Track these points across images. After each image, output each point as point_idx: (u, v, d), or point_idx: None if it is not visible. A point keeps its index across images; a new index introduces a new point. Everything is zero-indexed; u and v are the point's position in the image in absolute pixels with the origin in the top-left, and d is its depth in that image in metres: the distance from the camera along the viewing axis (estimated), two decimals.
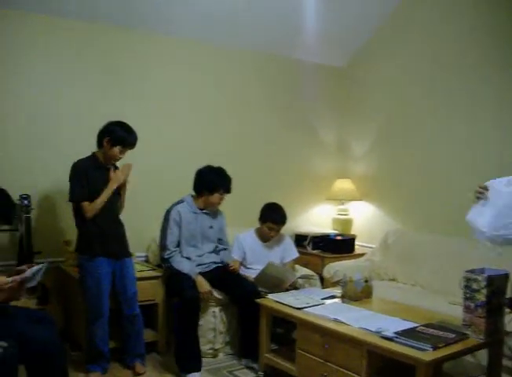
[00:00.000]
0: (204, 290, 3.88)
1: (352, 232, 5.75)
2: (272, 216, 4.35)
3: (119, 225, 3.78)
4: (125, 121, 3.68)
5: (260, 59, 5.41)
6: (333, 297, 3.72)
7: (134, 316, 3.76)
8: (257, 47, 5.30)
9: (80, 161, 3.61)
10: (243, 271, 4.36)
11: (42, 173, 4.26)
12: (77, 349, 3.93)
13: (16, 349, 2.49)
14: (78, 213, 3.60)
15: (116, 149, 3.58)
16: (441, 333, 2.82)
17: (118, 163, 3.75)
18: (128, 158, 3.72)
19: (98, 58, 4.53)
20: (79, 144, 4.06)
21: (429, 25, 5.05)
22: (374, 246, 5.30)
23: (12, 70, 4.16)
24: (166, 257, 4.04)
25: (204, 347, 3.97)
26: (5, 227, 3.66)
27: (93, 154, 3.68)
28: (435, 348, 2.62)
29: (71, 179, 3.57)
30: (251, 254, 4.40)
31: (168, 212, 4.12)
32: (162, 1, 4.46)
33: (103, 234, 3.59)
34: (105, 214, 3.61)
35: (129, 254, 3.82)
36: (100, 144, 3.63)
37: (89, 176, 3.56)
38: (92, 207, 3.54)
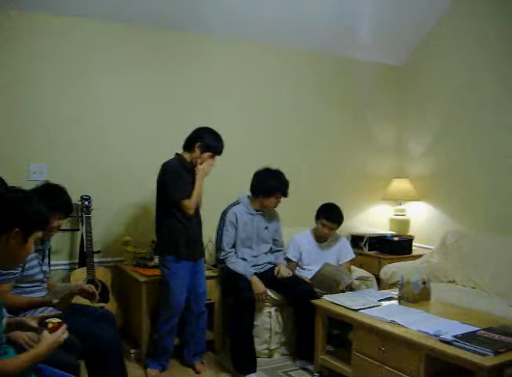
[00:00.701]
0: (259, 291, 3.89)
1: (410, 233, 5.63)
2: (326, 213, 4.31)
3: (200, 224, 3.83)
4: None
5: (315, 59, 5.37)
6: (390, 299, 3.67)
7: (201, 314, 3.82)
8: (313, 47, 5.27)
9: (171, 162, 3.69)
10: (298, 272, 4.35)
11: (103, 175, 4.37)
12: (135, 347, 4.01)
13: (79, 344, 2.58)
14: (168, 212, 3.65)
15: (206, 155, 3.65)
16: (503, 337, 2.73)
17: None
18: None
19: (163, 63, 4.63)
20: (136, 148, 4.15)
21: (490, 19, 4.89)
22: (432, 247, 5.18)
23: (83, 77, 4.31)
24: (221, 257, 4.07)
25: (259, 347, 3.98)
26: (67, 227, 3.81)
27: (179, 155, 3.75)
28: (496, 353, 2.54)
29: (167, 180, 3.63)
30: (307, 255, 4.38)
31: (224, 213, 4.15)
32: (215, 4, 4.50)
33: (188, 234, 3.65)
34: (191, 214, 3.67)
35: (204, 254, 3.89)
36: (189, 148, 3.70)
37: (182, 176, 3.63)
38: (192, 203, 3.60)
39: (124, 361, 2.94)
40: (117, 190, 4.39)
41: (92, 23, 4.30)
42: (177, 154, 3.75)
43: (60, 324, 2.02)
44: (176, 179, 3.61)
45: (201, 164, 3.67)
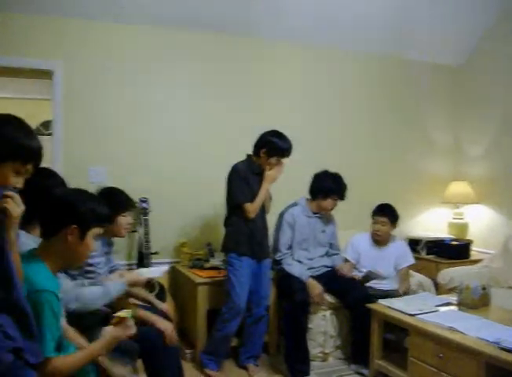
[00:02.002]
0: (316, 293, 3.88)
1: (468, 237, 5.50)
2: (377, 209, 4.29)
3: (265, 227, 3.87)
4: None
5: (371, 60, 5.33)
6: (448, 304, 3.60)
7: (262, 317, 3.84)
8: (369, 48, 5.23)
9: (239, 164, 3.75)
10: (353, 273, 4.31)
11: (161, 177, 4.46)
12: (190, 347, 4.07)
13: (137, 347, 2.64)
14: (234, 214, 3.72)
15: (273, 160, 3.69)
16: None
17: None
18: None
19: (223, 66, 4.70)
20: (194, 150, 4.22)
21: None
22: (491, 251, 5.04)
23: (143, 82, 4.44)
24: (277, 259, 4.09)
25: (314, 351, 3.97)
26: (131, 227, 3.88)
27: (249, 157, 3.80)
28: None
29: (232, 182, 3.70)
30: (365, 257, 4.31)
31: (282, 214, 4.17)
32: (272, 8, 4.53)
33: (251, 235, 3.70)
34: (256, 216, 3.71)
35: (268, 255, 3.91)
36: (257, 153, 3.74)
37: (248, 179, 3.68)
38: (254, 208, 3.66)
39: (180, 361, 2.99)
40: (175, 192, 4.47)
41: (153, 30, 4.42)
42: (248, 155, 3.79)
43: (123, 319, 2.09)
44: (240, 182, 3.66)
45: (270, 170, 3.69)
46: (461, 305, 3.50)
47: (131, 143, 4.38)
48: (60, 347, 1.94)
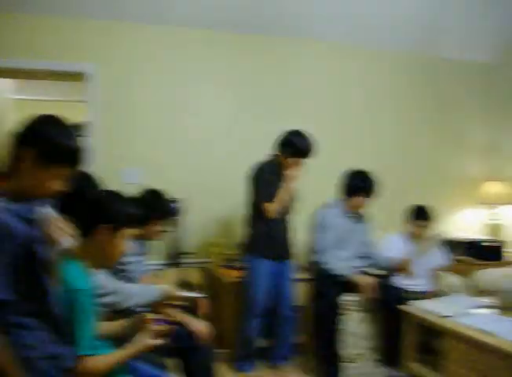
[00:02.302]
0: (367, 282, 3.78)
1: (504, 238, 5.39)
2: (415, 212, 4.23)
3: (286, 228, 3.87)
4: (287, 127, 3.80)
5: (406, 59, 5.29)
6: (483, 306, 3.54)
7: (287, 318, 3.85)
8: (403, 47, 5.18)
9: (262, 164, 3.78)
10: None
11: (196, 178, 4.52)
12: (223, 347, 4.08)
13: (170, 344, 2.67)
14: (255, 213, 3.75)
15: (292, 160, 3.70)
16: None
17: None
18: None
19: (261, 67, 4.76)
20: (229, 151, 4.25)
21: None
22: None
23: (182, 83, 4.53)
24: (314, 260, 4.06)
25: (346, 352, 3.95)
26: (162, 228, 3.93)
27: (275, 156, 3.82)
28: None
29: (254, 181, 3.74)
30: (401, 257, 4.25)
31: (317, 214, 4.14)
32: (304, 6, 4.52)
33: (271, 236, 3.72)
34: (277, 217, 3.73)
35: (290, 257, 3.91)
36: (278, 151, 3.77)
37: (270, 179, 3.70)
38: (274, 208, 3.67)
39: (212, 361, 3.01)
40: (207, 192, 4.50)
41: (194, 32, 4.51)
42: (274, 155, 3.80)
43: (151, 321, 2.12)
44: (262, 181, 3.68)
45: (289, 170, 3.69)
46: (497, 307, 3.44)
47: (165, 144, 4.45)
48: (93, 347, 1.97)
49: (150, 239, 3.16)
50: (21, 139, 1.74)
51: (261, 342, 3.92)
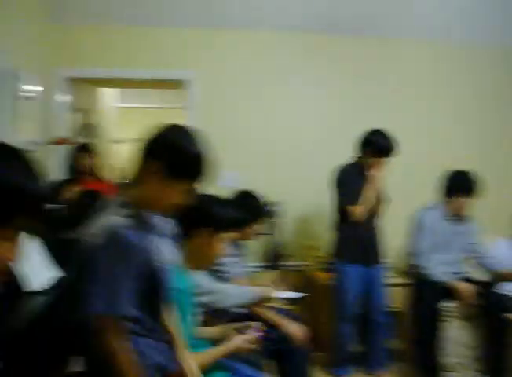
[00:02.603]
0: (467, 290, 3.61)
1: None
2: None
3: (375, 231, 3.81)
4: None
5: (502, 55, 5.02)
6: None
7: (379, 324, 3.77)
8: (488, 41, 4.92)
9: (344, 166, 3.75)
10: None
11: (293, 181, 4.52)
12: (320, 350, 4.06)
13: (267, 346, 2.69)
14: (341, 218, 3.72)
15: (373, 159, 3.64)
16: None
17: None
18: None
19: (354, 69, 4.71)
20: (325, 154, 4.24)
21: None
22: None
23: (285, 90, 4.58)
24: (414, 263, 3.94)
25: (446, 361, 3.81)
26: (261, 231, 3.99)
27: (357, 159, 3.78)
28: None
29: (337, 184, 3.71)
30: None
31: (416, 217, 4.02)
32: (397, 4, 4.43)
33: (359, 240, 3.67)
34: (365, 219, 3.67)
35: (380, 261, 3.85)
36: (359, 152, 3.72)
37: (354, 181, 3.66)
38: (359, 210, 3.62)
39: (307, 365, 3.00)
40: (306, 196, 4.49)
41: (290, 36, 4.54)
42: (357, 157, 3.75)
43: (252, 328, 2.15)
44: (345, 184, 3.64)
45: (372, 170, 3.63)
46: None
47: (262, 148, 4.50)
48: (191, 345, 2.03)
49: (246, 240, 3.21)
50: (148, 150, 1.74)
51: (357, 348, 3.86)
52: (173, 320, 1.91)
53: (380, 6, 4.42)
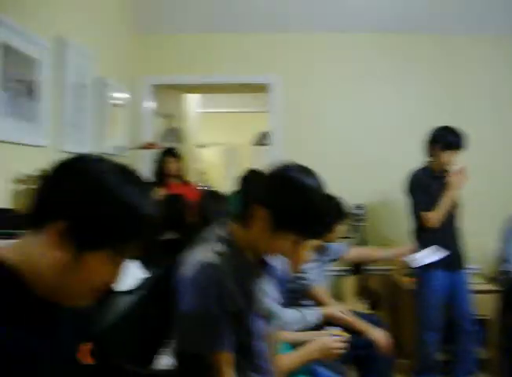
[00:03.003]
0: None
1: None
2: None
3: (457, 236, 3.67)
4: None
5: None
6: None
7: (467, 332, 3.62)
8: None
9: (417, 171, 3.66)
10: None
11: (376, 183, 4.45)
12: (404, 357, 3.96)
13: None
14: (418, 223, 3.62)
15: (447, 154, 3.52)
16: None
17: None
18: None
19: (420, 69, 4.57)
20: (408, 156, 4.15)
21: None
22: None
23: (368, 91, 4.53)
24: (504, 269, 3.78)
25: None
26: (343, 233, 3.96)
27: (427, 163, 3.68)
28: None
29: (410, 190, 3.63)
30: None
31: (508, 221, 3.85)
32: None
33: (439, 245, 3.54)
34: (444, 224, 3.54)
35: (464, 266, 3.71)
36: (429, 152, 3.63)
37: (427, 186, 3.57)
38: (436, 216, 3.51)
39: (391, 372, 2.94)
40: (390, 198, 4.41)
41: (369, 36, 4.50)
42: (426, 162, 3.65)
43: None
44: (417, 190, 3.56)
45: (451, 176, 3.50)
46: None
47: (345, 153, 4.46)
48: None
49: (329, 243, 3.18)
50: (255, 194, 1.62)
51: (442, 356, 3.72)
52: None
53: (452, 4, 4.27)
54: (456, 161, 3.55)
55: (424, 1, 4.28)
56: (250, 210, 1.59)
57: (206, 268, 1.55)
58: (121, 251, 1.01)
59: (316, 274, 3.04)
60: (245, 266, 1.65)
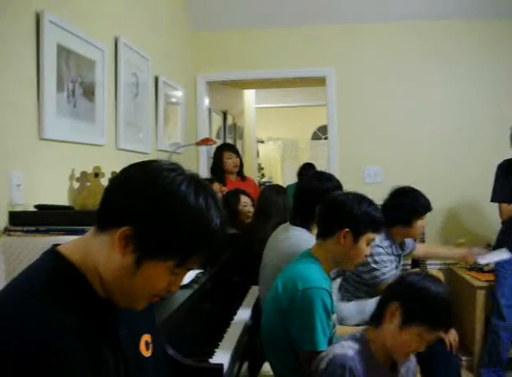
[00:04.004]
0: None
1: None
2: None
3: None
4: None
5: None
6: None
7: None
8: None
9: (503, 162, 3.55)
10: None
11: (436, 175, 4.30)
12: (467, 354, 3.84)
13: None
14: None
15: None
16: None
17: None
18: None
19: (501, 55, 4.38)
20: (465, 146, 4.05)
21: None
22: None
23: (424, 82, 4.41)
24: None
25: None
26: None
27: None
28: None
29: (495, 179, 3.55)
30: None
31: None
32: None
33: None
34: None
35: None
36: None
37: (507, 176, 3.46)
38: (505, 210, 3.44)
39: (460, 370, 2.85)
40: (451, 191, 4.28)
41: (415, 26, 4.37)
42: None
43: None
44: (499, 179, 3.46)
45: None
46: None
47: (404, 142, 4.37)
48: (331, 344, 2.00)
49: (414, 238, 3.11)
50: (391, 292, 1.79)
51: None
52: None
53: None
54: None
55: None
56: (385, 307, 1.76)
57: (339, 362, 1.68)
58: (184, 263, 1.00)
59: (393, 268, 2.95)
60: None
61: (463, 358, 3.84)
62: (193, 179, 1.01)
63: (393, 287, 1.81)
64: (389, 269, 2.81)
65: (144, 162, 1.04)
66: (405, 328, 1.68)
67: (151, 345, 1.20)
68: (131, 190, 0.99)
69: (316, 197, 2.25)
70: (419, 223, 2.92)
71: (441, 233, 4.34)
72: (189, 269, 1.05)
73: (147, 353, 1.18)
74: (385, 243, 2.84)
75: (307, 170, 4.99)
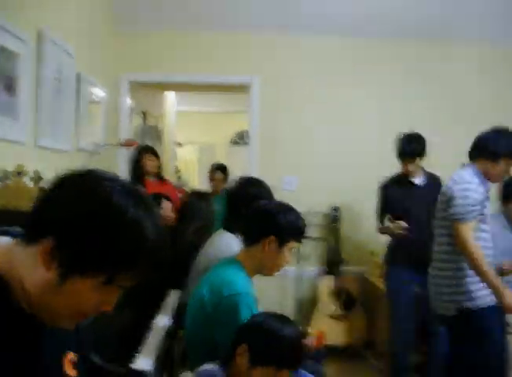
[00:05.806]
0: None
1: None
2: None
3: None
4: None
5: None
6: None
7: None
8: None
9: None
10: None
11: (351, 185, 4.44)
12: (379, 359, 3.99)
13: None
14: None
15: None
16: None
17: None
18: None
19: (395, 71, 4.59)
20: (383, 159, 4.20)
21: None
22: None
23: (343, 96, 4.54)
24: None
25: None
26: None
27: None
28: None
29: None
30: None
31: None
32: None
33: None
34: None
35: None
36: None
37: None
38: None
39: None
40: (364, 200, 4.41)
41: (339, 41, 4.52)
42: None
43: None
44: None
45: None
46: None
47: (321, 154, 4.48)
48: None
49: None
50: (240, 334, 1.81)
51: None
52: None
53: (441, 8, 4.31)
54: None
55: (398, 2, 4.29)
56: None
57: None
58: (116, 280, 0.91)
59: None
60: None
61: (374, 363, 3.97)
62: (133, 191, 0.94)
63: (242, 328, 1.81)
64: None
65: (82, 171, 0.96)
66: (254, 368, 1.71)
67: (77, 365, 1.10)
68: (64, 200, 0.91)
69: (247, 202, 2.28)
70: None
71: (355, 240, 4.48)
72: (122, 288, 0.95)
73: (72, 373, 1.08)
74: None
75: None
